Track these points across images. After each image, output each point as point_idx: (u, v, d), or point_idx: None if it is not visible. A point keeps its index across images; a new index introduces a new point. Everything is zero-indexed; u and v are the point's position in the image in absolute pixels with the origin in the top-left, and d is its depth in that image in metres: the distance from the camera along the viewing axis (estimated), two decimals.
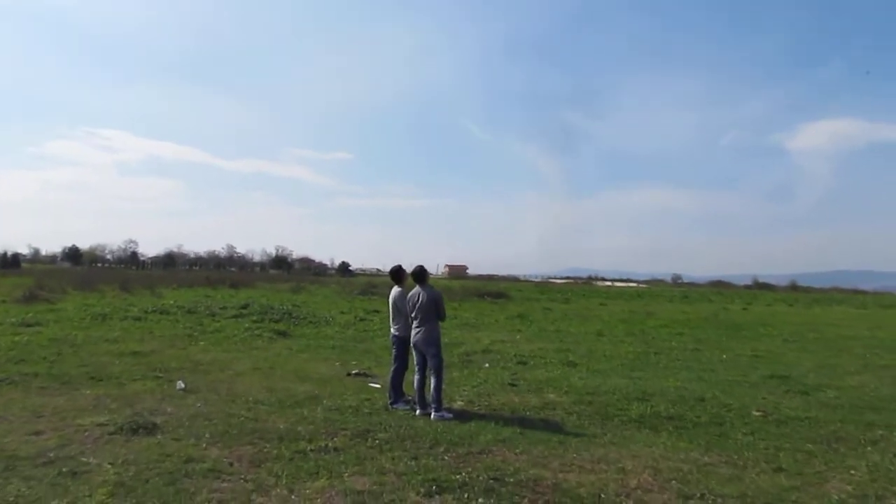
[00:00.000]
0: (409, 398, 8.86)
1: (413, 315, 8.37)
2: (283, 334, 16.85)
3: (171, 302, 24.33)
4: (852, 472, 6.15)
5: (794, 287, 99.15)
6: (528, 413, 8.24)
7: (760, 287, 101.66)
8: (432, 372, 8.22)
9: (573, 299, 43.85)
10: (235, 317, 20.46)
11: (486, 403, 8.76)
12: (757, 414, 8.48)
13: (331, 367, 12.11)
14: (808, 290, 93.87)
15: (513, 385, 10.07)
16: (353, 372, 11.10)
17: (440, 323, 8.51)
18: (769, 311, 35.50)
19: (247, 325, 18.30)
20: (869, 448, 7.03)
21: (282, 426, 7.10)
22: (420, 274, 8.56)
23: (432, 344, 8.29)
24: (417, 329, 8.34)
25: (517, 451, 6.46)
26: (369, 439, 6.71)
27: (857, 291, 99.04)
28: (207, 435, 6.66)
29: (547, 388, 9.88)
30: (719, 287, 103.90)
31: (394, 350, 8.71)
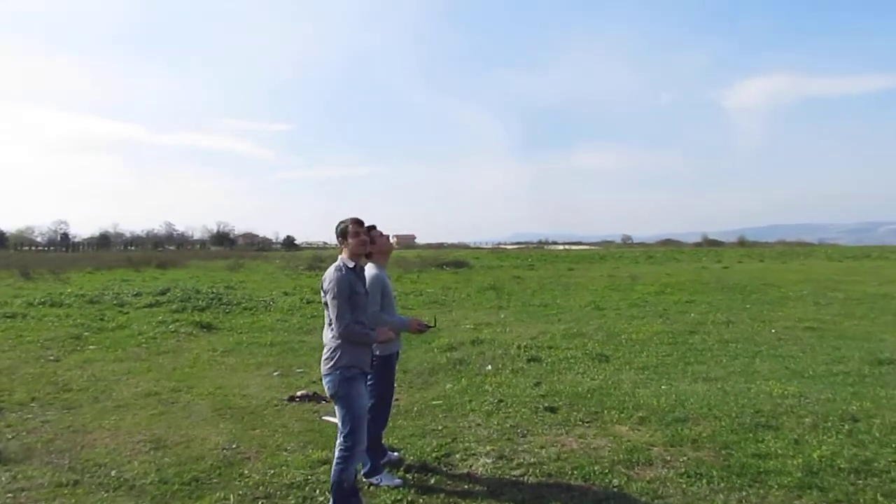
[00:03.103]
0: (396, 452, 5.24)
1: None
2: (206, 328, 12.97)
3: (70, 290, 19.91)
4: None
5: (742, 243, 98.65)
6: (612, 480, 4.64)
7: (711, 244, 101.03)
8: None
9: (537, 266, 40.62)
10: (150, 306, 16.42)
11: (530, 458, 5.09)
12: None
13: (266, 380, 8.40)
14: (755, 244, 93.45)
15: (551, 410, 6.46)
16: (299, 394, 7.34)
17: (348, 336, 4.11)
18: (752, 269, 32.90)
19: (162, 316, 14.31)
20: None
21: None
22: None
23: (329, 384, 4.19)
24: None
25: None
26: None
27: (802, 243, 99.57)
28: None
29: (606, 413, 6.29)
30: (670, 245, 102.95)
31: (369, 377, 4.59)
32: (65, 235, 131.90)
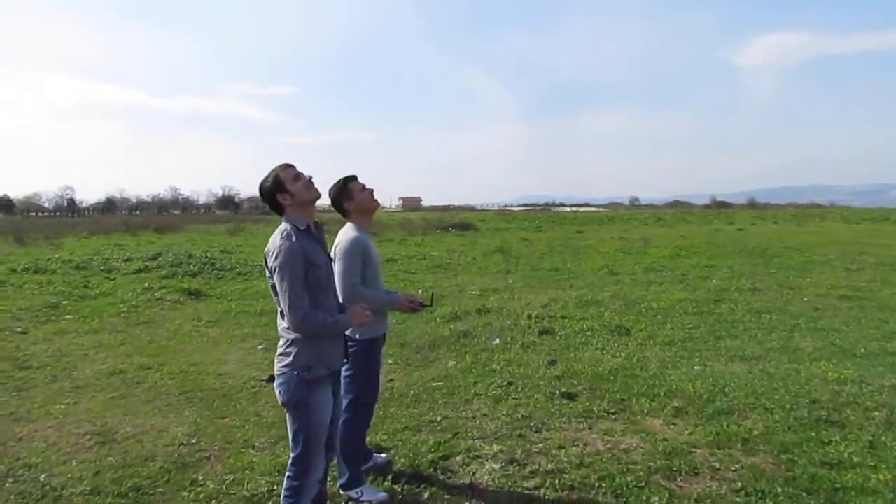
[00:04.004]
0: (385, 453, 4.34)
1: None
2: (195, 295, 12.11)
3: (58, 255, 19.08)
4: None
5: (753, 205, 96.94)
6: (651, 497, 3.68)
7: (720, 206, 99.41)
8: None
9: (545, 228, 39.55)
10: (139, 271, 15.54)
11: (546, 463, 4.16)
12: None
13: (248, 355, 7.53)
14: (766, 206, 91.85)
15: (569, 397, 5.54)
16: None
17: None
18: (767, 231, 31.74)
19: (148, 283, 13.43)
20: None
21: None
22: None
23: (282, 389, 3.17)
24: None
25: None
26: None
27: (814, 205, 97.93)
28: None
29: (633, 401, 5.36)
30: (680, 207, 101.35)
31: (347, 366, 3.59)
32: (71, 201, 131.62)
